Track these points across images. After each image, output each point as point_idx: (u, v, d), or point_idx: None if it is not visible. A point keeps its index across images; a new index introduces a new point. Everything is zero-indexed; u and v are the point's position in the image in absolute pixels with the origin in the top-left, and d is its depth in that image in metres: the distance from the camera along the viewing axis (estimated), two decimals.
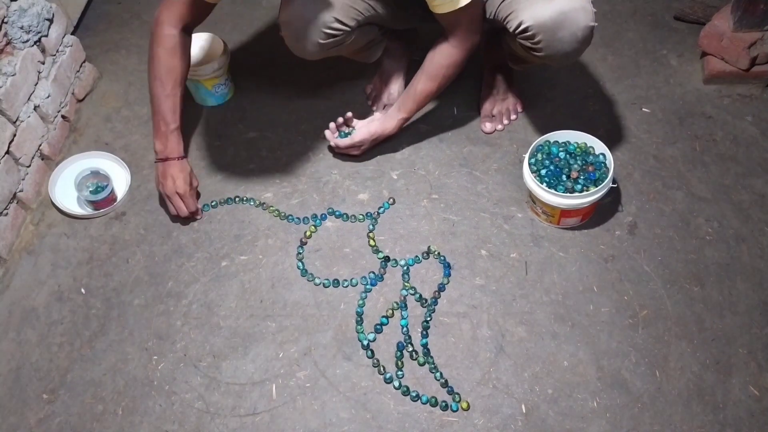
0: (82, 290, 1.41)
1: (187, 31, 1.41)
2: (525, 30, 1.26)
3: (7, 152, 1.44)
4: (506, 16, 1.30)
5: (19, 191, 1.49)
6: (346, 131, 1.56)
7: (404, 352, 1.28)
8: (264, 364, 1.28)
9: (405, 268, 1.39)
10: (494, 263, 1.39)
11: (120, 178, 1.58)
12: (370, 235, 1.45)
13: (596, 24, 1.26)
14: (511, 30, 1.30)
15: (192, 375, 1.28)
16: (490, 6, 1.35)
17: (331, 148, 1.58)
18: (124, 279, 1.42)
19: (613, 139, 1.55)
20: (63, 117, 1.66)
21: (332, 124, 1.54)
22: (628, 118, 1.61)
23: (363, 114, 1.66)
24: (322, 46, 1.37)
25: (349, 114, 1.54)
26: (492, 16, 1.35)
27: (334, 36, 1.36)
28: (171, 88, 1.38)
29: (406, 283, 1.37)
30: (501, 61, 1.59)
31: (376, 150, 1.58)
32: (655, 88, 1.67)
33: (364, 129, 1.51)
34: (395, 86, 1.66)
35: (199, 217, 1.49)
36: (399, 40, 1.64)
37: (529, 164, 1.41)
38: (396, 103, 1.50)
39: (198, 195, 1.51)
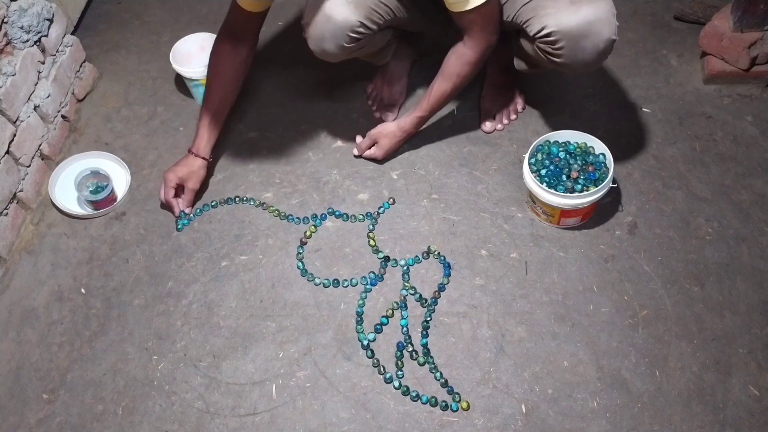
0: (82, 290, 1.41)
1: (238, 42, 1.45)
2: (548, 35, 1.26)
3: (7, 152, 1.44)
4: (527, 20, 1.29)
5: (19, 191, 1.49)
6: None
7: (404, 352, 1.28)
8: (264, 364, 1.28)
9: (405, 268, 1.39)
10: (494, 263, 1.39)
11: (120, 178, 1.58)
12: (370, 235, 1.45)
13: (617, 38, 1.26)
14: (531, 33, 1.29)
15: (192, 375, 1.28)
16: (509, 8, 1.34)
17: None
18: (124, 279, 1.42)
19: (613, 139, 1.54)
20: (63, 117, 1.66)
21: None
22: (628, 118, 1.61)
23: (363, 114, 1.66)
24: (345, 49, 1.37)
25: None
26: (510, 19, 1.34)
27: (357, 40, 1.36)
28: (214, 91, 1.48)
29: (406, 283, 1.37)
30: (507, 62, 1.59)
31: None
32: (655, 88, 1.67)
33: (380, 126, 1.52)
34: (397, 87, 1.66)
35: (176, 214, 1.49)
36: (405, 40, 1.64)
37: (529, 164, 1.41)
38: (415, 104, 1.50)
39: (196, 198, 1.51)
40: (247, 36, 1.46)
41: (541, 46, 1.30)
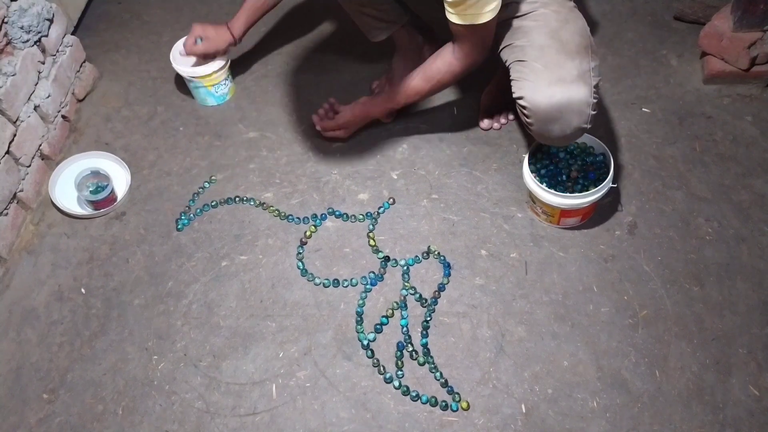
0: (82, 290, 1.41)
1: None
2: (522, 105, 1.27)
3: (7, 152, 1.44)
4: (512, 79, 1.30)
5: (20, 191, 1.49)
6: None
7: (404, 352, 1.28)
8: (264, 364, 1.28)
9: (405, 268, 1.39)
10: (494, 263, 1.39)
11: (120, 178, 1.58)
12: (370, 235, 1.45)
13: (590, 126, 1.25)
14: (513, 95, 1.30)
15: (192, 375, 1.28)
16: (506, 54, 1.34)
17: (319, 133, 1.60)
18: (124, 279, 1.42)
19: (613, 139, 1.55)
20: (63, 117, 1.66)
21: (321, 111, 1.60)
22: (628, 118, 1.61)
23: None
24: None
25: (332, 100, 1.61)
26: (507, 65, 1.34)
27: None
28: None
29: (406, 283, 1.37)
30: None
31: (377, 150, 1.58)
32: (655, 88, 1.67)
33: (348, 111, 1.55)
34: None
35: (185, 51, 1.63)
36: (413, 41, 1.64)
37: (529, 164, 1.41)
38: (388, 90, 1.51)
39: (209, 58, 1.64)
40: None
41: (518, 109, 1.31)
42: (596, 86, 1.24)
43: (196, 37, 1.59)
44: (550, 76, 1.22)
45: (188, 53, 1.62)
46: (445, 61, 1.36)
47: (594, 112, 1.24)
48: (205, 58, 1.63)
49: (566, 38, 1.25)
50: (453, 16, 1.24)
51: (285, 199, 1.52)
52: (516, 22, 1.31)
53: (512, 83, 1.30)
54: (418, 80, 1.41)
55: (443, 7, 1.24)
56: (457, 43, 1.32)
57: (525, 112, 1.27)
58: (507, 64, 1.34)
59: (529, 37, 1.28)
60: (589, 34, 1.28)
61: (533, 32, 1.28)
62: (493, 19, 1.21)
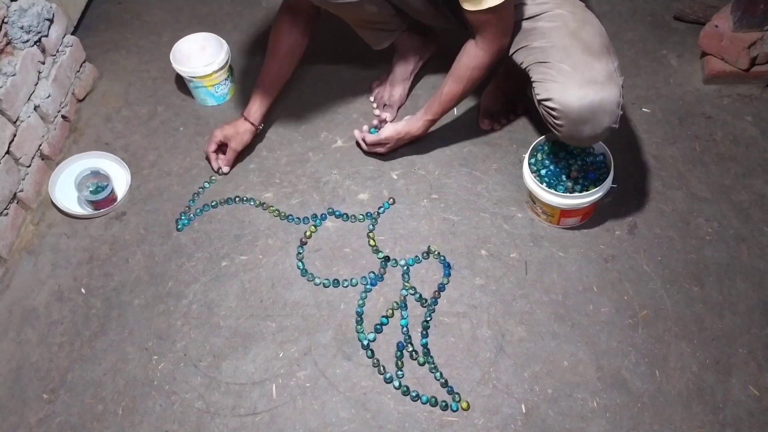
0: (82, 290, 1.41)
1: (296, 14, 1.48)
2: (551, 107, 1.25)
3: (8, 152, 1.44)
4: (536, 81, 1.27)
5: (20, 191, 1.49)
6: (376, 125, 1.61)
7: (404, 352, 1.28)
8: (264, 364, 1.28)
9: (405, 268, 1.39)
10: (494, 263, 1.39)
11: (120, 178, 1.58)
12: (370, 235, 1.45)
13: (617, 125, 1.25)
14: (537, 97, 1.27)
15: (192, 375, 1.28)
16: (522, 55, 1.32)
17: (358, 145, 1.58)
18: (124, 279, 1.42)
19: (613, 139, 1.54)
20: (63, 117, 1.66)
21: (365, 126, 1.59)
22: (628, 118, 1.61)
23: (363, 114, 1.66)
24: None
25: (385, 116, 1.61)
26: (523, 67, 1.32)
27: None
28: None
29: (406, 283, 1.37)
30: (517, 68, 1.58)
31: None
32: (655, 88, 1.67)
33: (391, 127, 1.51)
34: (398, 89, 1.66)
35: (214, 168, 1.57)
36: (413, 42, 1.64)
37: (529, 164, 1.41)
38: (425, 105, 1.49)
39: (237, 160, 1.58)
40: (304, 7, 1.45)
41: (544, 112, 1.29)
42: (621, 86, 1.24)
43: (217, 143, 1.53)
44: (581, 78, 1.21)
45: (217, 163, 1.56)
46: (471, 55, 1.34)
47: (621, 112, 1.24)
48: (238, 155, 1.57)
49: (588, 39, 1.24)
50: (469, 4, 1.22)
51: (285, 199, 1.52)
52: (528, 24, 1.30)
53: (536, 85, 1.28)
54: (449, 85, 1.40)
55: (446, 14, 1.24)
56: (478, 34, 1.30)
57: (554, 113, 1.25)
58: (524, 66, 1.31)
59: (549, 38, 1.26)
60: (606, 34, 1.27)
61: (552, 33, 1.26)
62: None
